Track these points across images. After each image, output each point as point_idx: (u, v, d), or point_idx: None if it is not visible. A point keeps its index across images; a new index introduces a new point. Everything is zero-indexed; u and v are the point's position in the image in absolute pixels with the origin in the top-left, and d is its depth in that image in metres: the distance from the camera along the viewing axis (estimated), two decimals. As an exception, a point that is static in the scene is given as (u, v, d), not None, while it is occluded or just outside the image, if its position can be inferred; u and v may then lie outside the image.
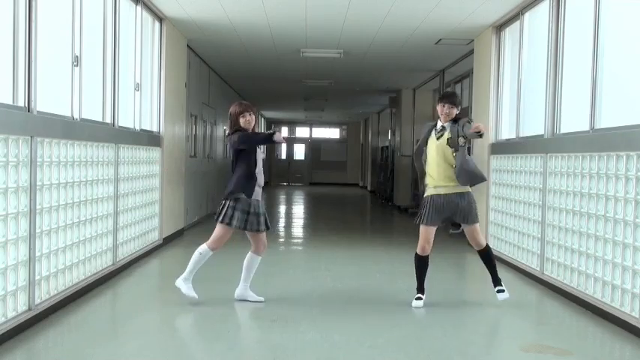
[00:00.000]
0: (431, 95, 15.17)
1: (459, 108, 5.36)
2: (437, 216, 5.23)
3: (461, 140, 5.14)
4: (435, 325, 4.91)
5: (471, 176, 5.20)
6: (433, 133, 5.32)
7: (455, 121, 5.27)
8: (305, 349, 4.20)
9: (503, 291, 5.40)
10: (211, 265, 7.20)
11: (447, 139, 5.19)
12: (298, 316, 5.03)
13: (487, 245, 5.44)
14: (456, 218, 5.26)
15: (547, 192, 6.30)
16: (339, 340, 4.39)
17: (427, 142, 5.33)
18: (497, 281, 5.43)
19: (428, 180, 5.31)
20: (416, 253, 5.33)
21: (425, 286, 5.39)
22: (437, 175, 5.23)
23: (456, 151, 5.16)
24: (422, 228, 5.26)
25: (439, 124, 5.33)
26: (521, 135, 7.42)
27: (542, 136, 6.58)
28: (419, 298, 5.35)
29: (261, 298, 5.35)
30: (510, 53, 8.07)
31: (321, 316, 5.00)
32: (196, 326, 4.69)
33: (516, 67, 7.65)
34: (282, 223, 12.67)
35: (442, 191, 5.22)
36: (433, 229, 5.29)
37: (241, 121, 5.17)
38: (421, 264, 5.34)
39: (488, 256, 5.42)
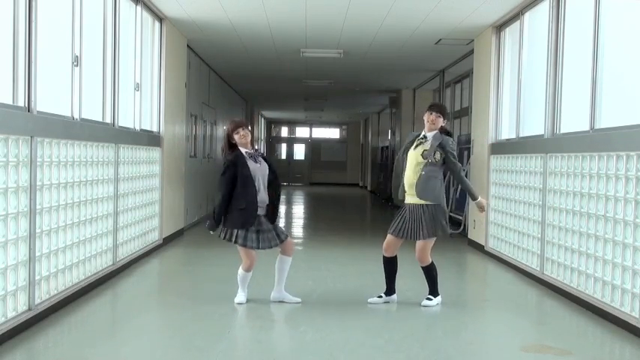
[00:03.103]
0: (431, 95, 15.17)
1: (446, 121, 5.39)
2: (400, 226, 5.26)
3: (437, 155, 5.17)
4: (435, 325, 4.91)
5: (427, 193, 5.17)
6: (415, 142, 5.32)
7: (445, 133, 5.30)
8: (305, 349, 4.20)
9: (430, 299, 5.38)
10: (212, 265, 7.22)
11: (423, 150, 5.21)
12: (298, 316, 5.04)
13: (431, 263, 5.35)
14: (414, 231, 5.22)
15: (547, 192, 6.30)
16: (339, 340, 4.39)
17: (407, 152, 5.32)
18: (431, 292, 5.40)
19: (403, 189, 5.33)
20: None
21: (394, 287, 5.47)
22: (407, 184, 5.26)
23: (426, 163, 5.16)
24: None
25: (422, 133, 5.34)
26: (521, 135, 7.42)
27: (542, 136, 6.58)
28: (380, 296, 5.45)
29: (298, 299, 5.37)
30: (510, 53, 8.07)
31: (321, 316, 5.00)
32: (196, 326, 4.69)
33: (516, 67, 7.65)
34: (282, 223, 12.67)
35: (410, 201, 5.26)
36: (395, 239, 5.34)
37: (236, 137, 5.17)
38: (384, 264, 5.42)
39: (428, 272, 5.38)
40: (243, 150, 5.17)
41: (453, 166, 5.24)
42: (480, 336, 4.80)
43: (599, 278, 5.20)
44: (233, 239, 5.07)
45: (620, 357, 4.46)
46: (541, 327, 5.06)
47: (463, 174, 5.28)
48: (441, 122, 5.31)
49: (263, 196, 5.14)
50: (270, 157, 28.15)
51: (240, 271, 5.27)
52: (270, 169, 5.25)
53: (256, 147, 5.39)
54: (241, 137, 5.16)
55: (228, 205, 5.07)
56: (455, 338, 4.57)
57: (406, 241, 5.39)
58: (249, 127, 5.25)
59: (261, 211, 5.14)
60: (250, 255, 5.17)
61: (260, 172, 5.16)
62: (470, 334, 4.78)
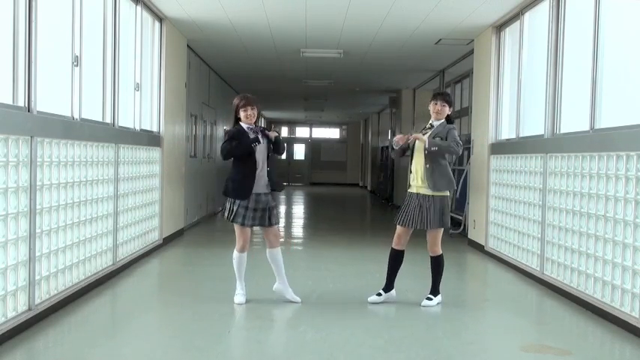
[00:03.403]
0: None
1: (452, 109, 5.35)
2: (409, 216, 5.21)
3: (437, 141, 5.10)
4: (435, 325, 4.91)
5: (440, 182, 5.15)
6: (421, 132, 5.33)
7: (448, 122, 5.27)
8: (305, 349, 4.20)
9: (430, 299, 5.35)
10: (212, 265, 7.22)
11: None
12: (298, 316, 5.04)
13: (441, 255, 5.32)
14: (422, 220, 5.17)
15: (547, 192, 6.30)
16: (339, 340, 4.39)
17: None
18: (432, 291, 5.37)
19: (411, 179, 5.31)
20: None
21: (394, 284, 5.45)
22: (415, 175, 5.23)
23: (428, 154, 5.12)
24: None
25: (429, 123, 5.33)
26: (521, 135, 7.42)
27: (542, 136, 6.58)
28: (379, 294, 5.41)
29: (298, 299, 5.36)
30: (510, 53, 8.07)
31: (321, 316, 5.00)
32: (196, 326, 4.69)
33: (516, 67, 7.65)
34: (282, 223, 12.66)
35: (415, 190, 5.24)
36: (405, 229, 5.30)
37: (242, 114, 5.18)
38: (390, 258, 5.37)
39: (437, 264, 5.34)
40: (245, 125, 5.19)
41: (450, 138, 5.10)
42: (480, 336, 4.80)
43: (599, 278, 5.20)
44: (232, 217, 5.13)
45: (620, 357, 4.46)
46: (541, 327, 5.06)
47: (453, 149, 5.04)
48: (447, 111, 5.26)
49: (263, 173, 5.16)
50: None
51: (235, 253, 5.28)
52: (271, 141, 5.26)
53: (258, 124, 5.36)
54: (247, 117, 5.17)
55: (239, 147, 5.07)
56: (455, 338, 4.57)
57: (408, 242, 5.39)
58: (257, 108, 5.22)
59: (259, 189, 5.15)
60: (245, 233, 5.20)
61: (260, 148, 5.16)
62: (470, 334, 4.78)
